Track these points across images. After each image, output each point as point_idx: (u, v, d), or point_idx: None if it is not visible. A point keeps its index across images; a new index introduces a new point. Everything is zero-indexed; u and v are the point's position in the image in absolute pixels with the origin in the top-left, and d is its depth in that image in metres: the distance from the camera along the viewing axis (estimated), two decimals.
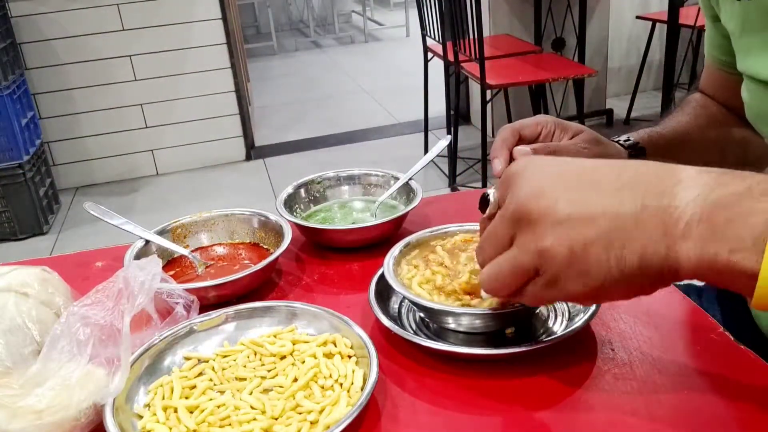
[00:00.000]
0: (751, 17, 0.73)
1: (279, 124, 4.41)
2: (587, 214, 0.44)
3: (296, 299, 0.76)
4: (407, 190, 0.97)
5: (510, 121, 3.95)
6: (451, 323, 0.68)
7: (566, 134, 0.76)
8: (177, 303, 0.71)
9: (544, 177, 0.47)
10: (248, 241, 0.91)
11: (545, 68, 2.87)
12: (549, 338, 0.64)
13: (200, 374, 0.64)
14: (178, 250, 0.87)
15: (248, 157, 3.83)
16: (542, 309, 0.72)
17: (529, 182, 0.47)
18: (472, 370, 0.64)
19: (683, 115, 0.90)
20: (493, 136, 3.70)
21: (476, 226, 0.78)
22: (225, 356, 0.66)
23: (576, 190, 0.46)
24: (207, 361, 0.66)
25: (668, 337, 0.67)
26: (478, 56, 2.67)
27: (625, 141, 0.84)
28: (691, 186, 0.43)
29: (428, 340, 0.66)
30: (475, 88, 3.75)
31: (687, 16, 3.17)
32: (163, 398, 0.61)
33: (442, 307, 0.66)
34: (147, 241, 0.86)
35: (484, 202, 0.56)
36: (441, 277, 0.70)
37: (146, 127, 3.64)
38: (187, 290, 0.73)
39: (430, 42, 3.26)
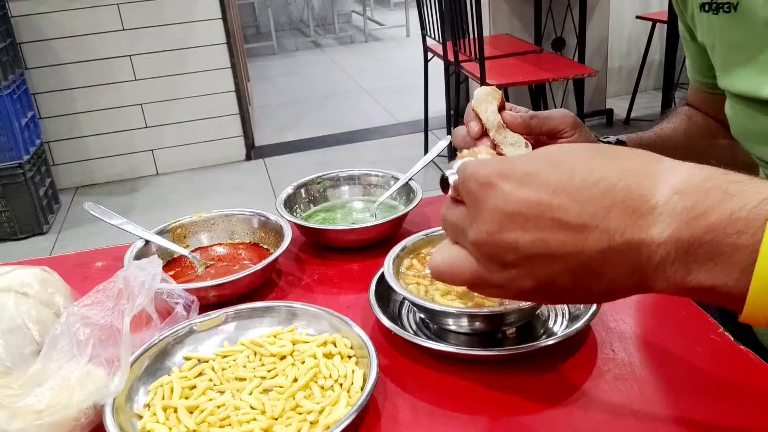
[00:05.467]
0: (733, 31, 0.71)
1: (279, 124, 4.41)
2: (550, 253, 0.41)
3: (296, 299, 0.76)
4: (407, 190, 0.97)
5: None
6: (451, 324, 0.68)
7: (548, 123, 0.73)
8: (177, 303, 0.71)
9: (508, 207, 0.42)
10: (248, 241, 0.91)
11: (545, 68, 2.87)
12: (549, 339, 0.64)
13: (200, 374, 0.64)
14: (178, 250, 0.87)
15: (248, 157, 3.83)
16: (543, 309, 0.72)
17: (491, 213, 0.42)
18: (473, 371, 0.64)
19: (669, 122, 0.91)
20: None
21: None
22: (225, 356, 0.66)
23: (539, 228, 0.41)
24: (207, 361, 0.66)
25: (668, 338, 0.67)
26: (478, 56, 2.67)
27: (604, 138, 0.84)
28: (664, 217, 0.39)
29: (428, 341, 0.66)
30: (475, 88, 3.75)
31: None
32: (163, 398, 0.61)
33: (442, 308, 0.66)
34: (147, 241, 0.86)
35: (444, 182, 0.49)
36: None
37: (146, 127, 3.64)
38: (187, 290, 0.72)
39: (430, 42, 3.26)
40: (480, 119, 0.70)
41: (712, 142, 0.89)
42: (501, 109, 0.70)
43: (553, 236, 0.41)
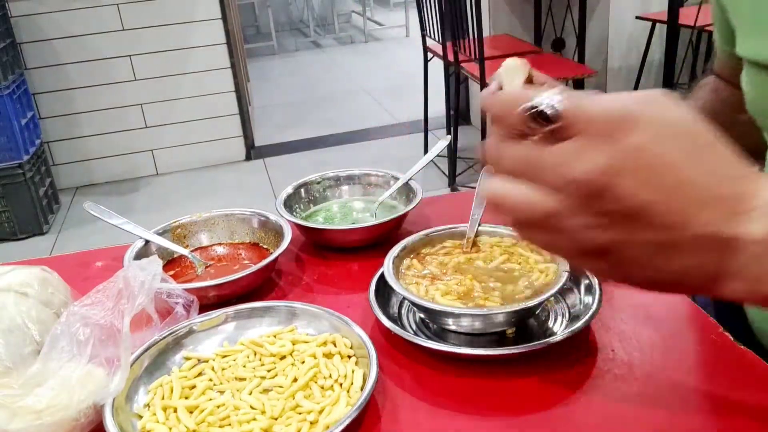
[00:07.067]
0: None
1: (279, 124, 4.41)
2: (647, 218, 0.40)
3: (296, 299, 0.76)
4: (407, 190, 0.97)
5: None
6: (451, 324, 0.68)
7: None
8: (177, 303, 0.71)
9: (636, 156, 0.40)
10: (248, 241, 0.91)
11: (545, 68, 2.86)
12: (549, 339, 0.64)
13: (200, 374, 0.64)
14: (178, 250, 0.87)
15: (248, 157, 3.83)
16: (542, 310, 0.72)
17: (614, 154, 0.40)
18: (472, 371, 0.64)
19: (695, 99, 0.87)
20: None
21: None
22: (225, 356, 0.66)
23: (653, 191, 0.40)
24: (207, 361, 0.66)
25: (668, 338, 0.67)
26: (478, 56, 2.67)
27: None
28: (762, 216, 0.40)
29: (428, 341, 0.66)
30: (474, 88, 3.75)
31: (687, 16, 3.17)
32: (163, 398, 0.61)
33: (442, 308, 0.66)
34: (147, 241, 0.86)
35: (538, 114, 0.42)
36: (458, 284, 0.70)
37: (146, 127, 3.64)
38: (187, 290, 0.73)
39: (430, 42, 3.26)
40: (501, 88, 0.65)
41: (735, 118, 0.83)
42: (528, 83, 0.66)
43: (660, 203, 0.39)
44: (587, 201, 0.41)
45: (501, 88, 0.65)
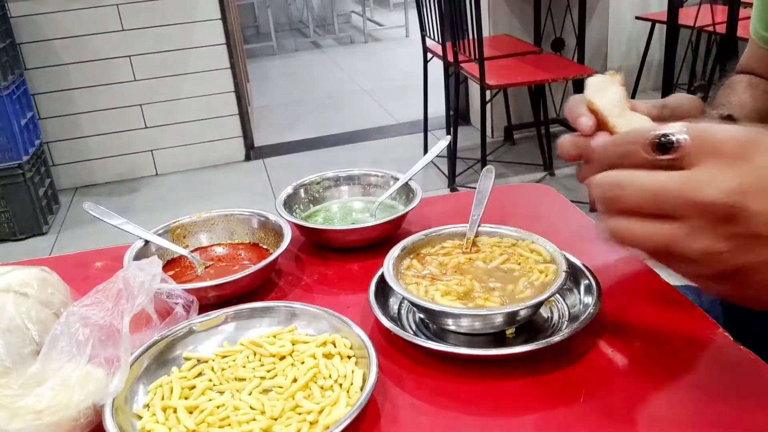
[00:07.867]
0: None
1: (279, 124, 4.41)
2: None
3: (296, 299, 0.76)
4: (407, 191, 0.97)
5: (510, 122, 3.94)
6: (451, 324, 0.68)
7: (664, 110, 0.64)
8: (177, 303, 0.71)
9: (761, 178, 0.41)
10: (248, 241, 0.91)
11: (545, 69, 2.87)
12: (549, 339, 0.64)
13: (200, 374, 0.64)
14: (178, 250, 0.87)
15: (248, 158, 3.83)
16: (542, 310, 0.72)
17: (740, 177, 0.40)
18: (472, 371, 0.64)
19: (739, 95, 0.84)
20: (493, 136, 3.65)
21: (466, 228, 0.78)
22: (224, 356, 0.66)
23: None
24: (206, 362, 0.66)
25: (668, 338, 0.67)
26: (477, 56, 2.67)
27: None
28: None
29: (428, 341, 0.66)
30: (474, 89, 3.75)
31: (686, 16, 3.17)
32: (163, 398, 0.61)
33: (442, 308, 0.66)
34: (146, 242, 0.86)
35: (664, 145, 0.44)
36: (458, 284, 0.70)
37: (146, 128, 3.64)
38: (187, 290, 0.73)
39: (429, 42, 3.26)
40: (593, 111, 0.61)
41: None
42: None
43: None
44: (716, 225, 0.41)
45: (592, 111, 0.61)
